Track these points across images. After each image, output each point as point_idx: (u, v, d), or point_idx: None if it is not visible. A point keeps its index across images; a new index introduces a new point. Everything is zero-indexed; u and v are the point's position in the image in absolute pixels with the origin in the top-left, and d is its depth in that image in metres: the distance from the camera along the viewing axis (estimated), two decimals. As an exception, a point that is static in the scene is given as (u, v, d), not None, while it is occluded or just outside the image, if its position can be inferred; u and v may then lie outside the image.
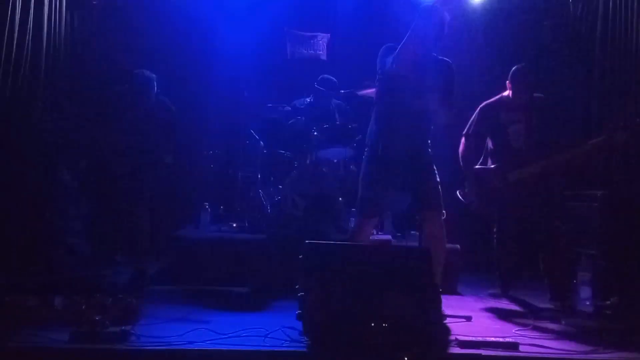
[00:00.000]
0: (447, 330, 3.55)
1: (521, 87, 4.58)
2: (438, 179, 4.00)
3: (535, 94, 4.67)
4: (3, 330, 3.12)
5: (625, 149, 4.91)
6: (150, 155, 4.78)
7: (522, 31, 6.33)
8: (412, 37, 3.73)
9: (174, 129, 4.89)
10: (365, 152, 4.15)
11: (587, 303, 4.15)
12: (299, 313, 3.23)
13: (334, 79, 6.01)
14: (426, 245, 3.83)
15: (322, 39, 7.04)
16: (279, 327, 3.35)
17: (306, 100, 6.09)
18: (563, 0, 6.08)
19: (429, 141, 4.07)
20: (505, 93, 4.69)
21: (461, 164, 4.80)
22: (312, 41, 7.04)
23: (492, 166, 4.69)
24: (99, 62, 6.10)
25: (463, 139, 4.81)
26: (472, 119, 4.77)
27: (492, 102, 4.76)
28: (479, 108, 4.77)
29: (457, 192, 4.72)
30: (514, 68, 4.65)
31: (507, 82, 4.66)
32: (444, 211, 3.99)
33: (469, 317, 3.85)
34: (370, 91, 5.48)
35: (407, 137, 3.90)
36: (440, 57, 4.02)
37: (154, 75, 4.73)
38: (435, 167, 4.02)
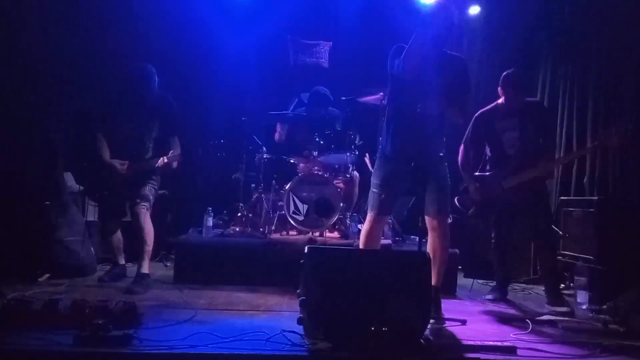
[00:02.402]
0: (445, 334, 3.57)
1: (512, 92, 4.61)
2: (449, 183, 3.98)
3: (530, 99, 4.71)
4: (7, 333, 3.13)
5: (619, 152, 4.94)
6: (153, 153, 4.77)
7: (520, 38, 6.37)
8: (418, 38, 3.65)
9: (176, 123, 4.83)
10: (378, 152, 4.13)
11: (584, 307, 4.18)
12: (300, 317, 3.24)
13: (325, 90, 6.06)
14: (429, 249, 3.84)
15: (325, 47, 7.08)
16: (279, 331, 3.35)
17: (304, 110, 6.15)
18: (560, 7, 6.12)
19: (443, 141, 4.02)
20: (500, 101, 4.74)
21: (460, 171, 4.85)
22: (314, 49, 7.08)
23: (489, 173, 4.74)
24: (101, 68, 6.16)
25: (462, 147, 4.87)
26: (468, 127, 4.83)
27: (485, 110, 4.82)
28: (473, 117, 4.82)
29: (455, 199, 4.77)
30: (504, 73, 4.69)
31: (499, 87, 4.71)
32: (450, 216, 4.01)
33: (463, 321, 3.85)
34: (372, 98, 5.55)
35: (415, 141, 3.84)
36: (451, 53, 3.98)
37: (153, 69, 4.67)
38: (447, 170, 3.99)
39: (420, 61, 3.73)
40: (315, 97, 6.04)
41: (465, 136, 4.86)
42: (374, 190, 4.02)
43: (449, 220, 3.99)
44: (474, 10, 6.48)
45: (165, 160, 4.54)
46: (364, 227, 4.13)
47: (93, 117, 4.92)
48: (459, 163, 4.85)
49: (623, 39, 5.20)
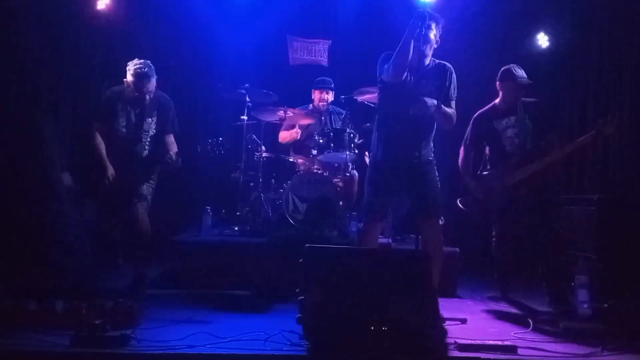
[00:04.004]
0: (446, 334, 3.55)
1: (509, 86, 4.61)
2: (439, 185, 4.00)
3: (527, 99, 4.69)
4: (3, 333, 3.12)
5: (617, 142, 4.93)
6: (151, 152, 4.74)
7: (520, 36, 6.37)
8: (406, 43, 3.73)
9: (173, 122, 4.81)
10: (369, 158, 4.15)
11: (585, 306, 4.14)
12: (299, 317, 3.23)
13: (329, 79, 6.08)
14: (426, 250, 3.84)
15: (323, 45, 7.07)
16: (279, 330, 3.35)
17: (308, 107, 6.14)
18: (560, 6, 6.11)
19: (432, 146, 4.05)
20: (497, 100, 4.74)
21: (461, 172, 4.83)
22: (313, 47, 7.07)
23: (490, 172, 4.72)
24: (99, 65, 6.14)
25: (462, 149, 4.86)
26: (467, 129, 4.82)
27: (484, 111, 4.81)
28: (472, 118, 4.82)
29: (458, 201, 4.75)
30: (502, 68, 4.68)
31: (497, 82, 4.70)
32: (442, 217, 4.01)
33: (464, 320, 3.84)
34: (371, 97, 5.53)
35: (405, 143, 3.88)
36: (438, 61, 4.02)
37: (152, 66, 4.64)
38: (436, 173, 4.01)
39: (409, 65, 3.80)
40: (322, 82, 6.04)
41: (465, 138, 4.85)
42: (368, 197, 4.06)
43: (441, 222, 3.98)
44: (472, 9, 6.46)
45: (173, 157, 4.51)
46: (360, 233, 4.17)
47: (91, 115, 4.90)
48: (459, 165, 4.84)
49: (622, 33, 5.19)
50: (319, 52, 7.08)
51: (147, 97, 4.63)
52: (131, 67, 4.56)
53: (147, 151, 4.71)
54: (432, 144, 4.06)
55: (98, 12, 6.08)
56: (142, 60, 4.60)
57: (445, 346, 3.29)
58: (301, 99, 6.34)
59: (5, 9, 4.70)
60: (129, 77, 4.56)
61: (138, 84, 4.55)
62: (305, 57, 7.08)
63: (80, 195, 5.47)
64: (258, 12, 6.78)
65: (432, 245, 3.88)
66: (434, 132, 4.05)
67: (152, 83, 4.62)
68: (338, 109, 6.14)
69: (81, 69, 5.96)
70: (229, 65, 6.76)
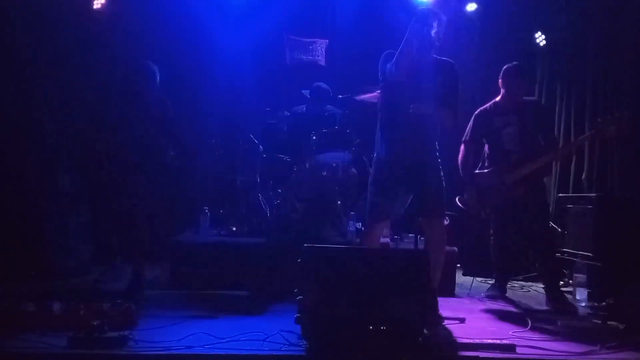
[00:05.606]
0: (445, 333, 3.55)
1: (513, 84, 4.62)
2: (444, 185, 3.97)
3: (527, 97, 4.71)
4: (1, 335, 3.11)
5: (617, 143, 4.94)
6: (149, 154, 4.73)
7: (517, 35, 6.37)
8: (409, 41, 3.73)
9: (172, 126, 4.82)
10: (373, 158, 4.14)
11: (584, 304, 4.17)
12: (297, 317, 3.21)
13: (327, 87, 6.05)
14: (425, 250, 3.83)
15: (321, 45, 7.06)
16: (277, 330, 3.34)
17: (302, 108, 6.13)
18: (557, 8, 6.12)
19: (436, 145, 4.02)
20: (498, 98, 4.74)
21: (460, 170, 4.83)
22: (310, 47, 7.06)
23: (488, 170, 4.72)
24: (98, 67, 6.13)
25: (462, 146, 4.85)
26: (468, 126, 4.82)
27: (485, 107, 4.82)
28: (473, 115, 4.82)
29: (457, 199, 4.75)
30: (505, 66, 4.69)
31: (500, 80, 4.70)
32: (446, 218, 4.00)
33: (462, 319, 3.84)
34: (369, 96, 5.51)
35: (409, 143, 3.87)
36: (441, 58, 4.00)
37: (156, 67, 4.65)
38: (441, 173, 3.98)
39: (412, 63, 3.79)
40: (317, 92, 6.03)
41: (465, 135, 4.85)
42: (372, 197, 4.02)
43: (445, 222, 3.97)
44: (471, 7, 6.47)
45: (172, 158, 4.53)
46: (364, 232, 4.13)
47: (92, 116, 4.90)
48: (459, 162, 4.84)
49: (620, 31, 5.20)
50: (317, 51, 7.07)
51: (149, 98, 4.63)
52: (134, 67, 4.56)
53: (146, 150, 4.71)
54: (436, 143, 4.04)
55: (95, 11, 6.08)
56: (146, 61, 4.61)
57: (444, 345, 3.29)
58: (298, 99, 6.33)
59: (1, 9, 4.69)
60: (131, 77, 4.56)
61: (140, 84, 4.55)
62: (302, 56, 7.07)
63: (77, 197, 5.47)
64: (256, 12, 6.76)
65: (434, 245, 3.87)
66: (437, 130, 4.04)
67: (154, 84, 4.63)
68: (336, 108, 6.13)
69: (79, 69, 5.95)
70: (227, 65, 6.74)
